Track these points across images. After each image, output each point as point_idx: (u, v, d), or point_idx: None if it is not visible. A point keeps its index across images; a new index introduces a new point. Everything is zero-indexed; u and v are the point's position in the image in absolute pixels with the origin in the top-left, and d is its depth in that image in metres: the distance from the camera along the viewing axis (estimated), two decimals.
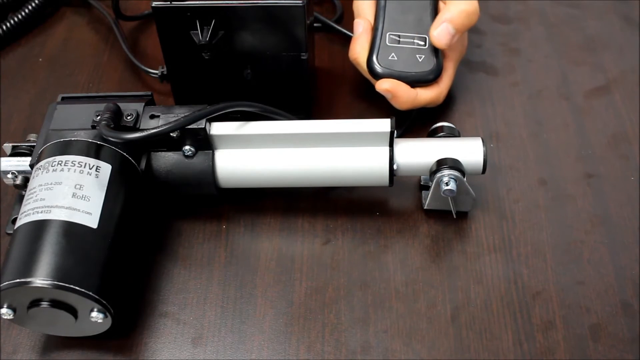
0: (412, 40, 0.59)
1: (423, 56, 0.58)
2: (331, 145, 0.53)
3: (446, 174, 0.52)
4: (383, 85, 0.58)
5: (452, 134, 0.56)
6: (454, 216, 0.55)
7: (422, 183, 0.58)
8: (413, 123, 0.62)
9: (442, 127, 0.57)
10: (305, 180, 0.54)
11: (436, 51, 0.59)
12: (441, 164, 0.52)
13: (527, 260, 0.54)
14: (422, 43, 0.59)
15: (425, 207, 0.56)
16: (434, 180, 0.53)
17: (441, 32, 0.58)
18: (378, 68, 0.58)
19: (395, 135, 0.52)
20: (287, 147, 0.54)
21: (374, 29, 0.60)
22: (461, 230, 0.56)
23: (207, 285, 0.54)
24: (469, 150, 0.53)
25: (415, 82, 0.58)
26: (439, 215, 0.57)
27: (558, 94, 0.65)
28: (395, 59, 0.58)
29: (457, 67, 0.61)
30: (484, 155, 0.53)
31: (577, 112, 0.64)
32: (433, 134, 0.57)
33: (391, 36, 0.59)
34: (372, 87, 0.60)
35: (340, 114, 0.64)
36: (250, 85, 0.59)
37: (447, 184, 0.52)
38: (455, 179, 0.52)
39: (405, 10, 0.60)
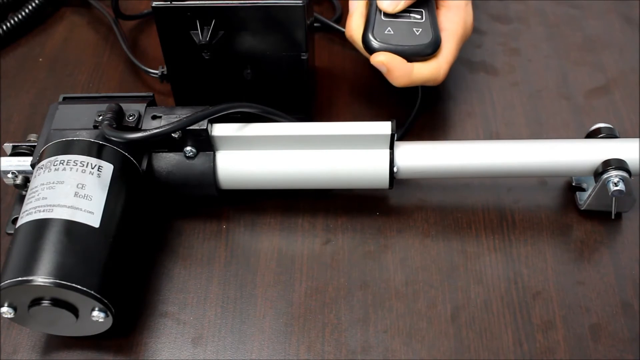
0: (408, 14, 0.57)
1: (420, 29, 0.57)
2: (332, 148, 0.53)
3: (615, 174, 0.52)
4: (378, 58, 0.56)
5: (612, 134, 0.56)
6: (612, 217, 0.55)
7: (574, 184, 0.58)
8: (412, 124, 0.62)
9: (599, 128, 0.56)
10: (305, 182, 0.54)
11: (434, 25, 0.57)
12: (608, 165, 0.53)
13: (527, 260, 0.54)
14: (419, 17, 0.57)
15: (582, 208, 0.56)
16: (600, 181, 0.53)
17: None
18: (374, 43, 0.56)
19: (395, 137, 0.52)
20: (288, 149, 0.54)
21: (369, 5, 0.58)
22: (461, 230, 0.56)
23: (207, 285, 0.54)
24: (632, 151, 0.53)
25: (412, 55, 0.56)
26: (438, 215, 0.57)
27: (558, 94, 0.66)
28: (392, 33, 0.57)
29: (459, 46, 0.59)
30: None
31: (577, 112, 0.64)
32: (592, 135, 0.57)
33: None
34: (372, 87, 0.60)
35: (340, 114, 0.64)
36: (250, 85, 0.59)
37: (616, 185, 0.52)
38: (624, 180, 0.52)
39: None
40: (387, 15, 0.57)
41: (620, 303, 0.52)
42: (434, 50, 0.56)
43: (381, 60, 0.56)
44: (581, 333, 0.51)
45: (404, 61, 0.56)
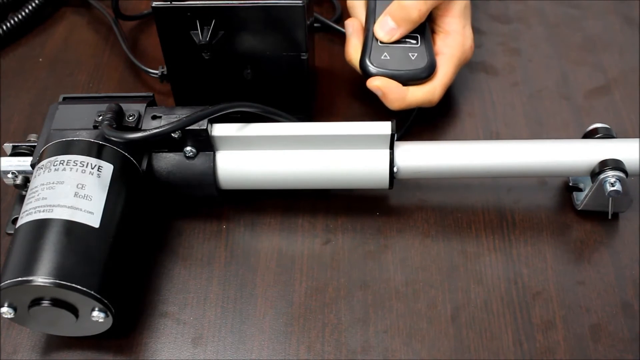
0: (404, 39, 0.58)
1: (416, 54, 0.58)
2: (332, 148, 0.53)
3: (611, 175, 0.52)
4: (374, 83, 0.57)
5: (609, 134, 0.56)
6: (609, 217, 0.55)
7: (571, 184, 0.58)
8: (412, 125, 0.62)
9: (596, 129, 0.56)
10: (305, 182, 0.54)
11: (429, 49, 0.58)
12: (604, 165, 0.53)
13: (527, 260, 0.54)
14: (414, 42, 0.58)
15: (579, 208, 0.56)
16: (597, 181, 0.53)
17: (379, 23, 0.58)
18: (371, 68, 0.58)
19: (395, 137, 0.52)
20: (288, 149, 0.54)
21: (366, 30, 0.60)
22: (461, 230, 0.56)
23: (207, 285, 0.54)
24: (629, 151, 0.53)
25: (408, 80, 0.58)
26: (438, 214, 0.57)
27: (558, 94, 0.66)
28: (388, 58, 0.58)
29: (456, 69, 0.60)
30: None
31: (577, 112, 0.64)
32: (589, 135, 0.57)
33: None
34: None
35: (340, 114, 0.64)
36: (251, 85, 0.59)
37: (612, 185, 0.52)
38: (621, 180, 0.52)
39: None
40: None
41: (620, 303, 0.52)
42: (429, 74, 0.58)
43: (377, 85, 0.57)
44: (581, 333, 0.51)
45: (399, 85, 0.57)
